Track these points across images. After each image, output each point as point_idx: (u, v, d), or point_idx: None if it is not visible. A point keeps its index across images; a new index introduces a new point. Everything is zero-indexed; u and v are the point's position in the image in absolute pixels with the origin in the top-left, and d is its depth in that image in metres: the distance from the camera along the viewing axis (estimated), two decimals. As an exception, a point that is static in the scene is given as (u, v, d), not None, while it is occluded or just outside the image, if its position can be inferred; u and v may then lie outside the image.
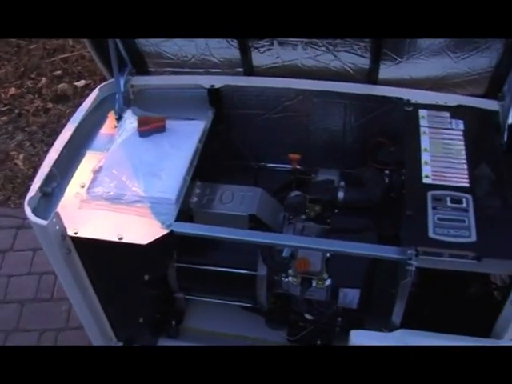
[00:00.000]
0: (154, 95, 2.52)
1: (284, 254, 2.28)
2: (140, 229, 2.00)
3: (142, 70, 2.58)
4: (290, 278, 2.26)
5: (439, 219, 1.92)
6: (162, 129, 2.34)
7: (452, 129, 2.27)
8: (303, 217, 2.36)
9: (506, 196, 2.02)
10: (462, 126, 2.27)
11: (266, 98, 2.53)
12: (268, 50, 2.45)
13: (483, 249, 1.84)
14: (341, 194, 2.34)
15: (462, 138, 2.22)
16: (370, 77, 2.47)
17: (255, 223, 2.26)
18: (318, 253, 2.23)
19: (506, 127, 2.21)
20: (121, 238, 1.96)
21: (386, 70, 2.43)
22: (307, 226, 2.34)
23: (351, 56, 2.40)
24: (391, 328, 2.06)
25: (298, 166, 2.51)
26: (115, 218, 2.04)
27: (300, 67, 2.49)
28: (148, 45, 2.49)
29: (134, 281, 2.30)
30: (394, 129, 2.41)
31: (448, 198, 1.99)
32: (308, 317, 2.43)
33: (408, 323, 2.06)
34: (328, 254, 2.24)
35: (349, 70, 2.47)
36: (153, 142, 2.31)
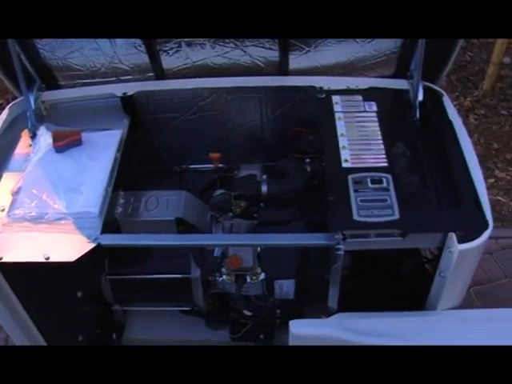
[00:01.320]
0: (66, 109, 2.48)
1: (215, 254, 2.29)
2: (66, 246, 1.95)
3: (52, 84, 2.53)
4: (224, 277, 2.26)
5: (362, 201, 1.95)
6: (78, 142, 2.29)
7: (366, 111, 2.31)
8: (230, 214, 2.36)
9: (423, 171, 2.07)
10: (375, 108, 2.32)
11: (180, 100, 2.52)
12: (176, 51, 2.44)
13: (407, 225, 1.88)
14: (264, 188, 2.34)
15: (376, 119, 2.27)
16: (281, 68, 2.49)
17: (183, 226, 2.25)
18: (248, 248, 2.23)
19: (417, 104, 2.27)
20: (47, 258, 1.91)
21: (295, 60, 2.46)
22: (235, 223, 2.35)
23: (260, 50, 2.42)
24: (329, 313, 2.09)
25: (220, 165, 2.53)
26: (40, 238, 1.99)
27: (211, 66, 2.49)
28: (54, 58, 2.44)
29: (68, 299, 2.26)
30: (310, 117, 2.44)
31: (368, 180, 2.02)
32: (247, 313, 2.43)
33: (347, 306, 2.08)
34: (259, 249, 2.25)
35: (259, 63, 2.48)
36: (70, 156, 2.26)
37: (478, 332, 1.98)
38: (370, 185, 2.01)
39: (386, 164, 2.09)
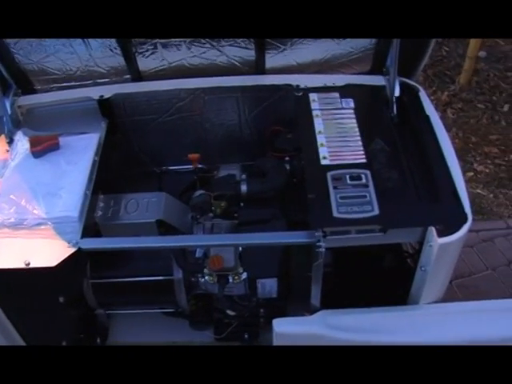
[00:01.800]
0: (43, 113, 2.46)
1: (197, 255, 2.27)
2: (46, 251, 1.95)
3: (28, 89, 2.52)
4: (206, 278, 2.25)
5: (341, 198, 1.95)
6: (55, 146, 2.28)
7: (343, 108, 2.31)
8: (210, 215, 2.35)
9: (402, 166, 2.08)
10: (352, 104, 2.32)
11: (158, 102, 2.51)
12: (152, 53, 2.44)
13: (387, 220, 1.89)
14: (244, 187, 2.34)
15: (353, 115, 2.27)
16: (258, 67, 2.49)
17: (164, 228, 2.24)
18: (229, 248, 2.22)
19: (394, 100, 2.29)
20: (28, 264, 1.91)
21: (272, 59, 2.46)
22: (216, 223, 2.33)
23: (236, 49, 2.42)
24: (312, 311, 2.09)
25: (200, 165, 2.51)
26: (19, 244, 1.99)
27: (187, 67, 2.49)
28: (30, 62, 2.43)
29: (50, 304, 2.24)
30: (288, 115, 2.44)
31: (347, 176, 2.02)
32: (230, 313, 2.43)
33: (330, 303, 2.08)
34: (240, 248, 2.24)
35: (236, 63, 2.48)
36: (48, 161, 2.25)
37: (460, 324, 2.00)
38: (348, 181, 2.01)
39: (364, 160, 2.09)
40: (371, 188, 1.98)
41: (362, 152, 2.12)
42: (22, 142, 2.31)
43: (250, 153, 2.59)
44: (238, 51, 2.43)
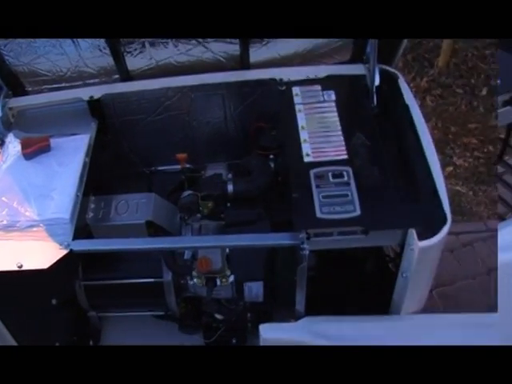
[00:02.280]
0: (34, 115, 2.48)
1: (185, 257, 2.25)
2: (39, 253, 1.96)
3: (19, 90, 2.53)
4: (195, 280, 2.21)
5: (324, 197, 1.92)
6: (46, 148, 2.30)
7: (325, 101, 2.28)
8: (198, 215, 2.32)
9: (382, 162, 2.05)
10: (333, 97, 2.29)
11: (146, 101, 2.51)
12: (140, 52, 2.44)
13: (368, 222, 1.85)
14: (230, 187, 2.30)
15: (334, 109, 2.24)
16: (243, 62, 2.48)
17: (153, 229, 2.24)
18: (217, 250, 2.18)
19: (374, 90, 2.26)
20: (20, 266, 1.93)
21: (256, 53, 2.45)
22: (204, 224, 2.31)
23: (221, 45, 2.42)
24: (297, 317, 2.07)
25: (187, 165, 2.48)
26: (12, 246, 2.01)
27: (175, 64, 2.49)
28: (20, 64, 2.44)
29: (42, 306, 2.23)
30: (273, 111, 2.41)
31: (330, 174, 1.99)
32: (219, 317, 2.39)
33: (314, 309, 2.06)
34: (227, 250, 2.21)
35: (221, 59, 2.48)
36: (39, 163, 2.28)
37: (441, 337, 1.94)
38: (331, 179, 1.98)
39: (345, 156, 2.06)
40: (353, 186, 1.95)
41: (344, 148, 2.09)
42: (14, 144, 2.34)
43: (237, 151, 2.56)
44: (223, 47, 2.43)
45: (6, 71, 2.45)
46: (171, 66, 2.50)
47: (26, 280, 1.97)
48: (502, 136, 2.25)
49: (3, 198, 2.15)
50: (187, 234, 2.32)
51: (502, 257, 1.72)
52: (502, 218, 2.40)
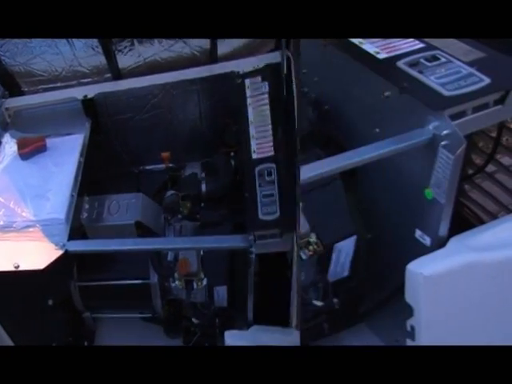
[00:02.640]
0: (30, 115, 2.48)
1: (168, 258, 2.23)
2: (35, 254, 1.96)
3: (15, 91, 2.54)
4: (176, 282, 2.19)
5: (263, 196, 1.87)
6: (42, 148, 2.32)
7: (263, 93, 2.19)
8: (180, 216, 2.29)
9: (292, 158, 1.91)
10: (267, 88, 2.19)
11: (135, 99, 2.49)
12: (130, 50, 2.44)
13: (283, 224, 1.78)
14: (203, 187, 2.27)
15: (267, 101, 2.15)
16: (212, 55, 2.45)
17: (141, 230, 2.24)
18: (193, 252, 2.16)
19: (284, 77, 2.13)
20: (17, 267, 1.93)
21: (221, 45, 2.42)
22: (184, 225, 2.29)
23: (196, 39, 2.40)
24: (248, 325, 2.04)
25: (170, 164, 2.47)
26: (8, 246, 2.02)
27: (159, 61, 2.48)
28: (16, 64, 2.46)
29: (39, 307, 2.26)
30: (236, 105, 2.30)
31: (266, 172, 1.93)
32: (195, 321, 2.35)
33: (268, 317, 2.00)
34: (202, 253, 2.17)
35: (196, 53, 2.46)
36: (35, 163, 2.30)
37: None
38: (266, 177, 1.92)
39: (272, 153, 1.99)
40: (276, 185, 1.89)
41: (271, 143, 2.02)
42: (10, 144, 2.36)
43: (210, 149, 2.51)
44: (198, 41, 2.40)
45: (1, 71, 2.46)
46: (156, 63, 2.49)
47: (23, 280, 1.98)
48: (494, 135, 2.26)
49: (0, 199, 2.17)
50: (170, 234, 2.30)
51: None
52: (494, 217, 2.40)
